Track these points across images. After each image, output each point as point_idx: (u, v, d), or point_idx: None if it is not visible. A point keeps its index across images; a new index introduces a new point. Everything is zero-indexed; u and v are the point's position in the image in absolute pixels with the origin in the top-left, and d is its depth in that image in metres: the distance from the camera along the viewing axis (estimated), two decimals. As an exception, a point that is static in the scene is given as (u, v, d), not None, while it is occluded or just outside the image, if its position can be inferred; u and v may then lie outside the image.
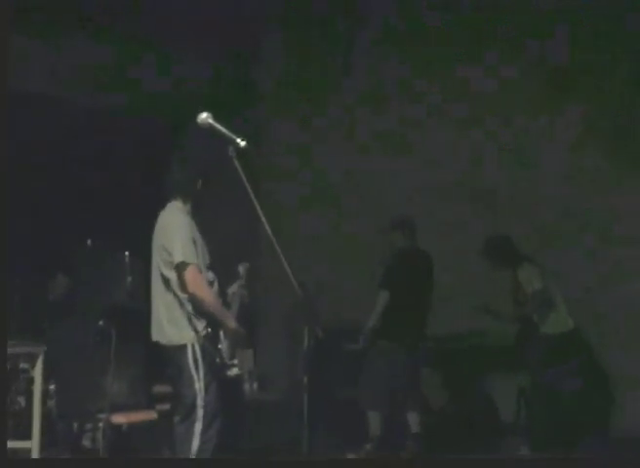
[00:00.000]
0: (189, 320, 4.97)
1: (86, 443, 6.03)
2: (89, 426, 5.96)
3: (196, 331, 4.95)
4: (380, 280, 6.96)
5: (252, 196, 4.02)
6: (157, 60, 8.07)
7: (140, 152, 7.56)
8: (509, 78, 8.38)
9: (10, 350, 6.21)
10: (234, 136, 3.99)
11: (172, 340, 5.00)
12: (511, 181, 8.25)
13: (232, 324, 5.03)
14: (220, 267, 5.20)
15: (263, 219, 4.05)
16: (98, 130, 7.49)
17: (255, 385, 7.31)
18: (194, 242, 4.94)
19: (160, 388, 6.56)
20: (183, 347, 4.96)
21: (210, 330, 4.97)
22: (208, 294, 4.95)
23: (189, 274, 4.85)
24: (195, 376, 4.95)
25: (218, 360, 4.99)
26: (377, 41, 9.06)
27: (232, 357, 5.07)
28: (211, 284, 5.05)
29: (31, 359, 6.12)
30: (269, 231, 3.99)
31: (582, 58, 8.04)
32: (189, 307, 4.96)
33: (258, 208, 4.00)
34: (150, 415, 5.90)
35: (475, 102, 8.50)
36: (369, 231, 8.18)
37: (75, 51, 7.72)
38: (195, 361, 4.94)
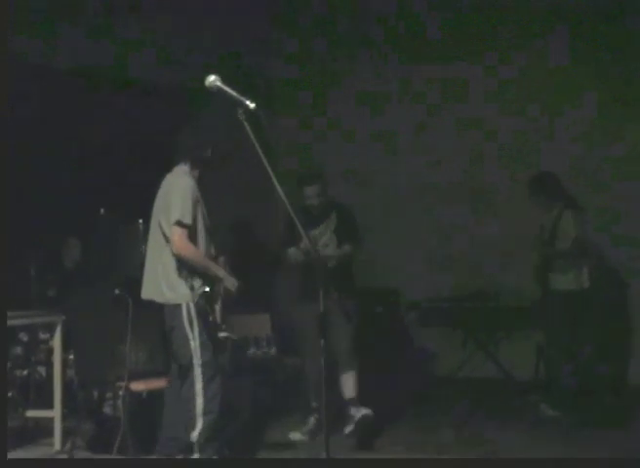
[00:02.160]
0: (185, 279, 5.04)
1: (107, 410, 6.06)
2: (109, 394, 5.97)
3: (191, 290, 5.02)
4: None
5: (263, 158, 3.99)
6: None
7: (154, 121, 7.53)
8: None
9: (29, 320, 6.29)
10: (243, 99, 3.95)
11: (167, 299, 5.09)
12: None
13: (227, 281, 5.09)
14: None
15: (275, 181, 4.02)
16: (111, 100, 7.45)
17: (273, 349, 7.31)
18: (195, 206, 5.00)
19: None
20: (178, 306, 5.05)
21: (206, 289, 5.03)
22: (194, 254, 5.01)
23: (177, 235, 4.95)
24: (190, 335, 5.04)
25: (211, 319, 5.07)
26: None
27: (223, 319, 5.15)
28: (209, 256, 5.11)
29: (50, 329, 6.17)
30: (282, 193, 3.96)
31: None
32: (184, 266, 5.03)
33: (269, 169, 3.96)
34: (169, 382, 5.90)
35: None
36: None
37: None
38: (190, 320, 5.03)
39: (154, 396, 6.02)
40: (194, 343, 5.01)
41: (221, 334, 5.10)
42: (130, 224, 5.91)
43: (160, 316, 6.02)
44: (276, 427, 6.48)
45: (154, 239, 5.17)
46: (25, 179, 7.06)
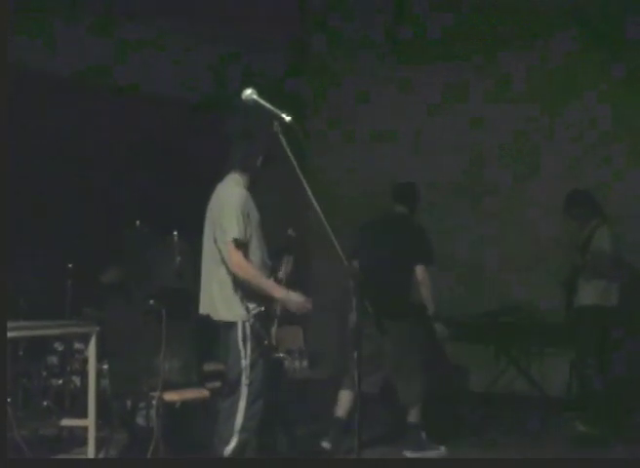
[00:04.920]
0: (241, 298, 4.97)
1: (140, 421, 6.10)
2: (142, 404, 6.02)
3: (247, 310, 4.95)
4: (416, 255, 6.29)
5: (298, 170, 4.02)
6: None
7: (184, 134, 7.63)
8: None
9: (64, 330, 6.36)
10: (279, 112, 3.99)
11: (223, 317, 5.02)
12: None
13: (287, 298, 4.92)
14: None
15: (310, 194, 4.05)
16: (141, 111, 7.54)
17: (305, 363, 7.32)
18: (248, 218, 4.93)
19: (211, 366, 6.63)
20: (233, 324, 4.98)
21: (262, 309, 4.96)
22: (252, 274, 4.90)
23: (233, 254, 4.84)
24: (242, 354, 4.97)
25: (266, 340, 4.99)
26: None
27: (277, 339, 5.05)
28: (265, 265, 5.03)
29: (85, 339, 6.23)
30: (317, 206, 3.99)
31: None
32: (240, 286, 4.95)
33: (304, 182, 4.00)
34: (202, 393, 5.96)
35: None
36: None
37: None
38: (244, 339, 4.96)
39: (188, 407, 6.09)
40: (245, 362, 4.97)
41: (276, 356, 5.06)
42: (164, 236, 5.95)
43: (193, 327, 6.11)
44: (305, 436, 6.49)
45: (209, 254, 5.05)
46: (62, 192, 7.19)
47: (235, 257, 4.85)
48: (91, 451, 6.02)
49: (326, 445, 6.22)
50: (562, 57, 8.24)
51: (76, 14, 7.40)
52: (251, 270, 4.94)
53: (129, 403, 6.06)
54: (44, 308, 6.38)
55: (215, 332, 7.70)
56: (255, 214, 5.00)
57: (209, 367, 6.61)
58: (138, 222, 5.97)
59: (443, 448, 6.29)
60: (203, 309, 5.13)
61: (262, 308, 4.98)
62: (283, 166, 4.10)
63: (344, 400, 6.31)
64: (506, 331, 8.01)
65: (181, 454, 5.71)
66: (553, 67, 8.31)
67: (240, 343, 4.98)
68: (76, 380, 6.88)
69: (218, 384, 6.38)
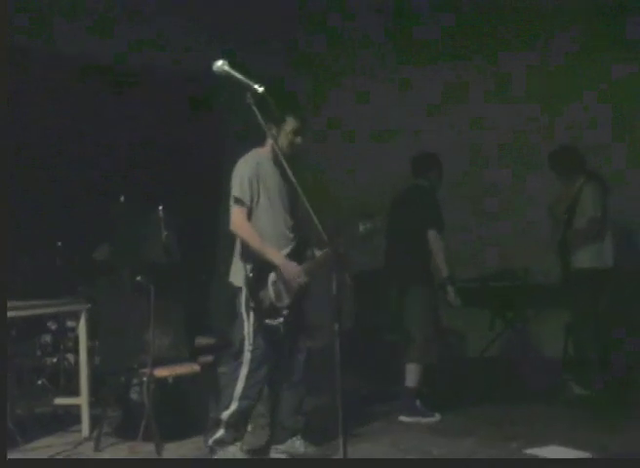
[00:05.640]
0: (244, 262, 5.02)
1: (134, 397, 6.08)
2: (135, 381, 6.00)
3: (246, 274, 4.98)
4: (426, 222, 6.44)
5: (275, 143, 3.97)
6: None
7: (168, 107, 7.56)
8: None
9: (55, 309, 6.34)
10: (251, 83, 3.92)
11: (233, 281, 5.11)
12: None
13: (286, 269, 4.96)
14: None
15: (288, 169, 4.01)
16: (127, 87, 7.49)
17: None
18: (257, 183, 4.97)
19: (203, 340, 6.63)
20: (240, 289, 5.05)
21: (256, 273, 4.97)
22: (248, 234, 4.97)
23: (234, 213, 4.98)
24: (245, 320, 5.03)
25: (267, 305, 4.98)
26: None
27: (283, 304, 5.01)
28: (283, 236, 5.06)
29: (76, 317, 6.21)
30: (294, 181, 3.94)
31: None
32: (244, 249, 5.02)
33: (280, 156, 3.95)
34: (193, 368, 5.94)
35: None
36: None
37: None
38: (247, 304, 5.00)
39: (181, 381, 6.08)
40: (248, 328, 5.02)
41: (275, 322, 4.98)
42: (150, 211, 5.90)
43: (183, 302, 6.08)
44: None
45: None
46: (48, 172, 7.15)
47: (234, 216, 4.98)
48: (85, 429, 6.04)
49: (404, 418, 6.29)
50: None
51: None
52: (249, 230, 4.98)
53: (122, 379, 6.02)
54: (38, 287, 6.38)
55: (206, 307, 7.75)
56: (273, 184, 4.98)
57: (201, 341, 6.62)
58: (122, 197, 5.90)
59: (437, 415, 6.29)
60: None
61: (251, 274, 4.96)
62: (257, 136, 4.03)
63: (413, 371, 6.35)
64: (502, 294, 7.98)
65: (174, 430, 5.70)
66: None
67: (243, 309, 5.03)
68: (70, 358, 6.89)
69: (210, 358, 6.40)
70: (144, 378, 5.58)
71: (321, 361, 6.47)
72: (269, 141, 5.08)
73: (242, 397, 5.06)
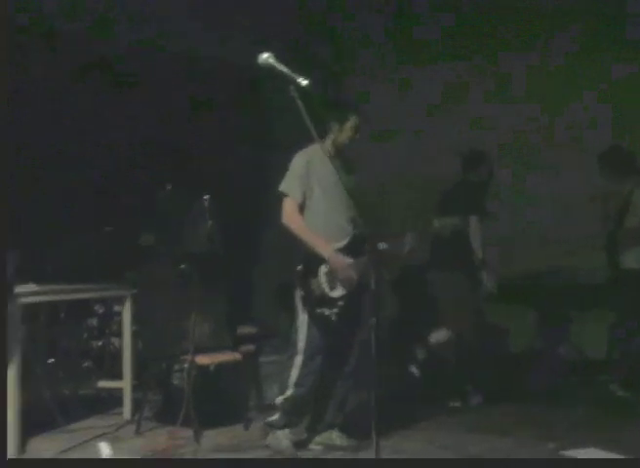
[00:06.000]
0: (296, 254, 5.09)
1: (176, 382, 6.17)
2: (177, 367, 6.08)
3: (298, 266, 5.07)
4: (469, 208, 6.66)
5: (315, 136, 3.99)
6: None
7: (216, 98, 7.63)
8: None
9: (101, 294, 6.46)
10: (295, 76, 3.95)
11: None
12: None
13: (333, 262, 5.01)
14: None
15: (315, 159, 4.03)
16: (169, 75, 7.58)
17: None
18: (308, 178, 5.06)
19: (245, 329, 6.68)
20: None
21: (306, 263, 5.03)
22: (296, 226, 5.06)
23: (283, 205, 5.10)
24: (299, 309, 5.12)
25: (317, 295, 5.03)
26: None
27: (336, 295, 5.04)
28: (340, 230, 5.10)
29: (122, 302, 6.31)
30: (336, 171, 3.97)
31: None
32: (299, 242, 5.09)
33: (321, 147, 3.97)
34: (234, 356, 5.98)
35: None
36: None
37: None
38: (301, 295, 5.08)
39: (221, 370, 6.14)
40: (301, 317, 5.11)
41: (327, 312, 5.03)
42: (196, 200, 5.97)
43: (225, 291, 6.14)
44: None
45: None
46: (97, 157, 7.26)
47: (284, 208, 5.11)
48: (126, 412, 6.15)
49: (414, 370, 6.68)
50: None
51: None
52: (298, 222, 5.07)
53: (163, 365, 6.11)
54: (85, 272, 6.49)
55: (249, 296, 7.82)
56: (329, 177, 4.97)
57: (243, 330, 6.68)
58: (169, 186, 5.98)
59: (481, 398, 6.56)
60: None
61: (300, 265, 5.02)
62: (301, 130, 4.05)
63: (441, 334, 6.72)
64: (547, 293, 7.89)
65: (213, 417, 5.77)
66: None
67: (298, 299, 5.12)
68: (115, 342, 7.00)
69: (251, 347, 6.45)
70: (185, 365, 5.65)
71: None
72: (329, 136, 5.21)
73: (296, 384, 5.17)
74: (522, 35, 8.22)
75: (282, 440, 5.23)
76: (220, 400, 6.05)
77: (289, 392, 5.19)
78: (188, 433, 5.51)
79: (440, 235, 6.44)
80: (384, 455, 4.93)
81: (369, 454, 3.80)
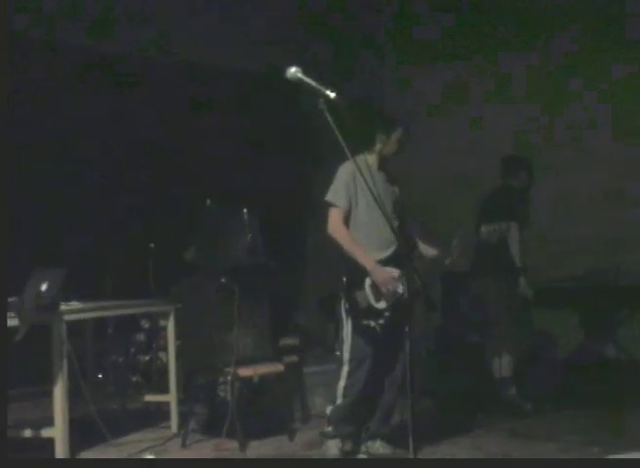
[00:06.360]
0: (341, 265, 5.14)
1: (220, 395, 6.23)
2: (222, 379, 6.14)
3: (341, 276, 5.11)
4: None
5: (345, 148, 4.03)
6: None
7: (252, 108, 7.71)
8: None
9: (145, 309, 6.56)
10: (323, 89, 3.99)
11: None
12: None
13: (373, 270, 5.02)
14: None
15: (358, 167, 4.05)
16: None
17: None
18: (353, 188, 5.11)
19: (287, 341, 6.73)
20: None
21: (351, 275, 5.06)
22: (341, 237, 5.10)
23: (329, 216, 5.13)
24: (344, 321, 5.16)
25: (362, 307, 5.04)
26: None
27: (382, 306, 5.04)
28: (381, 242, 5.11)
29: (167, 316, 6.41)
30: (367, 183, 3.99)
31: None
32: (342, 254, 5.14)
33: (351, 158, 4.01)
34: (277, 368, 6.03)
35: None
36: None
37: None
38: (345, 306, 5.12)
39: (265, 381, 6.20)
40: (346, 328, 5.15)
41: (373, 323, 5.04)
42: (235, 214, 6.05)
43: (267, 303, 6.19)
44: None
45: None
46: (140, 173, 7.39)
47: (330, 218, 5.14)
48: (174, 425, 6.23)
49: (528, 406, 6.59)
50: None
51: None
52: (342, 233, 5.11)
53: (207, 378, 6.18)
54: (131, 288, 6.61)
55: (292, 308, 7.86)
56: (374, 188, 4.79)
57: (286, 341, 6.73)
58: (208, 201, 6.06)
59: (530, 407, 6.54)
60: None
61: (345, 277, 5.05)
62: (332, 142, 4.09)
63: (504, 362, 6.71)
64: (592, 295, 7.82)
65: (258, 428, 5.83)
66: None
67: (343, 310, 5.16)
68: (162, 356, 7.09)
69: (295, 358, 6.50)
70: (229, 377, 5.71)
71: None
72: (376, 147, 5.30)
73: (343, 395, 5.21)
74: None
75: (330, 449, 5.26)
76: (265, 411, 6.11)
77: (338, 402, 5.24)
78: (234, 445, 5.58)
79: (485, 242, 6.44)
80: (428, 463, 5.04)
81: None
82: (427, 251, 5.33)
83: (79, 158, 7.15)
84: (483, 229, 5.14)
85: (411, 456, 3.82)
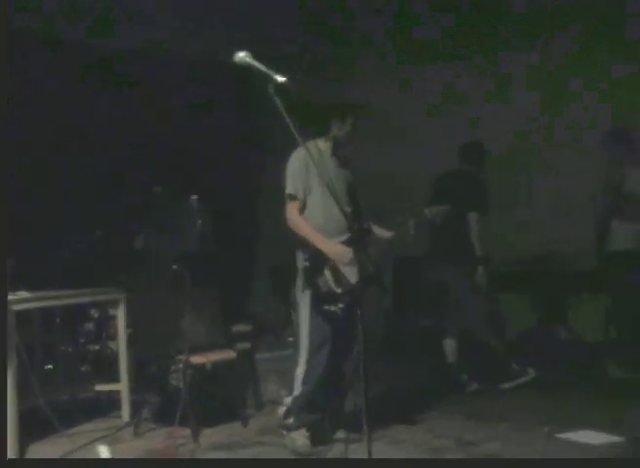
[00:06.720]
0: (301, 251, 5.14)
1: (173, 383, 6.18)
2: (174, 367, 6.09)
3: (301, 262, 5.11)
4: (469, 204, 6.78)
5: (296, 134, 3.99)
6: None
7: (201, 97, 7.64)
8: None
9: (94, 298, 6.47)
10: (272, 73, 3.95)
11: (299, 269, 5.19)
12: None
13: (336, 257, 5.01)
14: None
15: (310, 153, 4.04)
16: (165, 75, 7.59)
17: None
18: (307, 176, 5.08)
19: (240, 327, 6.70)
20: (298, 277, 5.18)
21: (312, 261, 5.05)
22: (299, 226, 5.10)
23: (287, 209, 5.15)
24: (301, 305, 5.16)
25: (324, 292, 5.03)
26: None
27: (342, 290, 5.01)
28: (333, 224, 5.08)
29: (117, 305, 6.33)
30: (318, 167, 3.97)
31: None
32: (299, 239, 5.13)
33: (302, 143, 3.98)
34: (229, 354, 6.02)
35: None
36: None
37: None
38: (302, 291, 5.13)
39: (218, 368, 6.17)
40: (303, 313, 5.13)
41: (333, 308, 5.02)
42: (185, 200, 5.99)
43: (218, 290, 6.16)
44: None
45: None
46: (86, 161, 7.28)
47: (288, 212, 5.16)
48: (125, 414, 6.17)
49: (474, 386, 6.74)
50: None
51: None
52: (299, 222, 5.12)
53: (159, 366, 6.13)
54: (79, 276, 6.51)
55: (244, 294, 7.83)
56: (328, 174, 4.93)
57: (238, 328, 6.70)
58: (156, 187, 6.00)
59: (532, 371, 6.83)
60: None
61: (306, 262, 5.06)
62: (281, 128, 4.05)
63: (449, 347, 6.87)
64: (540, 279, 7.93)
65: (211, 415, 5.80)
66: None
67: (299, 295, 5.17)
68: (112, 345, 7.01)
69: (247, 345, 6.48)
70: (181, 365, 5.67)
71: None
72: (331, 133, 5.26)
73: (303, 382, 5.17)
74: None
75: (296, 441, 5.19)
76: (218, 398, 6.08)
77: (296, 391, 5.19)
78: (186, 432, 5.53)
79: (438, 227, 6.48)
80: (383, 445, 5.07)
81: (363, 446, 3.80)
82: (382, 233, 5.34)
83: (33, 141, 7.04)
84: (426, 211, 5.19)
85: (365, 441, 3.80)
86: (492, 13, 8.31)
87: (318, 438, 5.27)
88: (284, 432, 5.30)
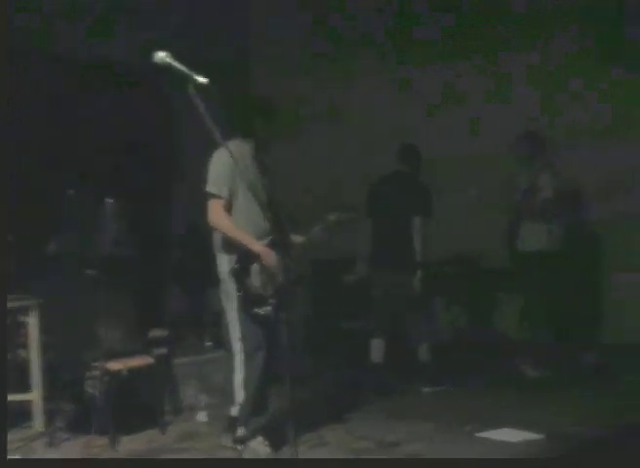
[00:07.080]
0: (225, 253, 5.02)
1: (89, 390, 6.02)
2: (89, 374, 5.94)
3: (228, 265, 4.99)
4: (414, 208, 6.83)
5: (216, 135, 3.94)
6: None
7: (108, 99, 7.51)
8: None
9: (8, 304, 6.25)
10: (193, 74, 3.88)
11: (220, 274, 5.08)
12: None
13: (265, 256, 4.91)
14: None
15: (232, 155, 3.98)
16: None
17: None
18: (233, 177, 4.94)
19: (157, 333, 6.58)
20: (223, 281, 5.06)
21: (241, 263, 4.95)
22: (224, 225, 4.98)
23: (211, 206, 4.99)
24: (228, 309, 5.04)
25: (253, 294, 4.92)
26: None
27: (269, 292, 4.90)
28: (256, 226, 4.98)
29: (28, 312, 6.14)
30: (241, 169, 3.92)
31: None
32: (224, 240, 5.02)
33: (223, 144, 3.93)
34: (146, 360, 5.90)
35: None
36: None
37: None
38: (227, 294, 5.02)
39: (135, 375, 6.03)
40: (231, 317, 5.01)
41: (262, 310, 4.91)
42: (99, 203, 5.85)
43: (135, 295, 6.04)
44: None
45: None
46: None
47: (211, 209, 5.00)
48: (39, 424, 5.98)
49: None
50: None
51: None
52: (226, 222, 4.99)
53: (75, 374, 5.97)
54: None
55: (160, 299, 7.70)
56: (251, 177, 4.93)
57: (155, 333, 6.58)
58: (71, 190, 5.85)
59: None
60: None
61: (236, 265, 4.95)
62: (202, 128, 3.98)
63: (377, 347, 6.84)
64: (455, 280, 8.02)
65: (129, 422, 5.67)
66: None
67: (224, 299, 5.06)
68: (23, 353, 6.80)
69: (164, 350, 6.36)
70: (97, 372, 5.54)
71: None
72: (254, 134, 5.15)
73: (245, 386, 5.01)
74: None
75: (257, 451, 5.04)
76: (135, 405, 5.95)
77: (239, 399, 5.03)
78: (104, 441, 5.40)
79: (381, 230, 6.74)
80: (308, 448, 5.02)
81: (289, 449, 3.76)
82: (296, 238, 5.29)
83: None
84: (331, 217, 5.15)
85: (292, 448, 3.76)
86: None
87: (276, 441, 5.08)
88: (239, 447, 5.08)
